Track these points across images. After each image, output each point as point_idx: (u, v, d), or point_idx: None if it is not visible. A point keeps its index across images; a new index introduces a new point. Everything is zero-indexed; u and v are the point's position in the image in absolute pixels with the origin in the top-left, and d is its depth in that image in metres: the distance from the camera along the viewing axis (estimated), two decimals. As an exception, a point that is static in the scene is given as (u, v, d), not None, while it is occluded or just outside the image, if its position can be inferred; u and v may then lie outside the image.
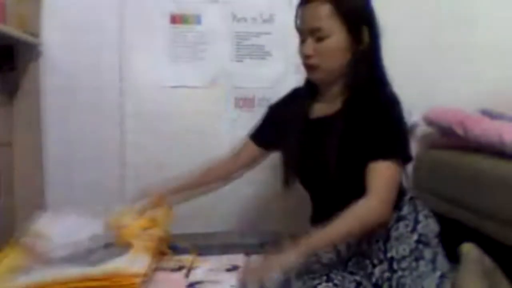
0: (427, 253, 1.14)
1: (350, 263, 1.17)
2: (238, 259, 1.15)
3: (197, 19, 1.77)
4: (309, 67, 1.18)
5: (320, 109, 1.22)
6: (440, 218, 1.23)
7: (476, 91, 1.84)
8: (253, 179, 1.79)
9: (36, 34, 1.64)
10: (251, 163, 1.37)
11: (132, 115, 1.76)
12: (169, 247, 1.20)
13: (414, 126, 1.85)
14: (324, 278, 1.15)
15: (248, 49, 1.80)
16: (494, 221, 1.39)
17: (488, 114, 1.69)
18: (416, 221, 1.17)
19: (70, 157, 1.73)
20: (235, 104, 1.81)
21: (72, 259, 0.98)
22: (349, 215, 1.05)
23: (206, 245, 1.26)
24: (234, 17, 1.79)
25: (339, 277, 1.15)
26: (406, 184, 1.24)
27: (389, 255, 1.13)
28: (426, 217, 1.19)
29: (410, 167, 1.67)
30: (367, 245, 1.15)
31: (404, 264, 1.12)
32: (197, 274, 1.06)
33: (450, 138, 1.69)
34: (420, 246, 1.14)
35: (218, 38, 1.78)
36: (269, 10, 1.79)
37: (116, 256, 0.99)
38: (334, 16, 1.12)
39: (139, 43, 1.74)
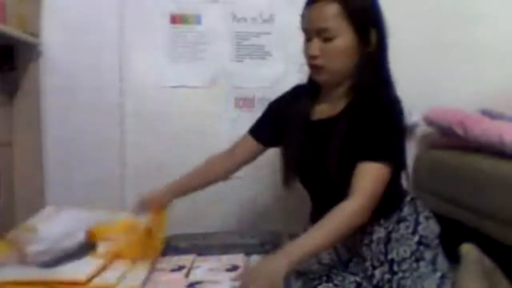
0: (428, 254, 1.14)
1: (351, 264, 1.17)
2: (238, 259, 1.15)
3: (197, 19, 1.77)
4: (314, 68, 1.16)
5: (323, 110, 1.20)
6: (440, 218, 1.23)
7: (476, 91, 1.84)
8: (253, 179, 1.79)
9: (36, 34, 1.64)
10: (248, 159, 1.35)
11: (132, 115, 1.76)
12: (169, 248, 1.19)
13: (414, 126, 1.85)
14: (324, 278, 1.15)
15: (248, 49, 1.80)
16: (494, 221, 1.39)
17: (488, 114, 1.69)
18: (417, 223, 1.16)
19: (70, 157, 1.74)
20: (235, 104, 1.81)
21: (42, 257, 0.97)
22: (335, 218, 1.03)
23: (206, 245, 1.26)
24: (234, 17, 1.79)
25: (340, 278, 1.15)
26: (406, 185, 1.24)
27: (389, 257, 1.13)
28: (427, 218, 1.19)
29: (410, 167, 1.67)
30: (367, 247, 1.15)
31: (404, 266, 1.12)
32: (197, 274, 1.06)
33: (450, 138, 1.69)
34: (421, 247, 1.14)
35: (218, 38, 1.78)
36: (269, 10, 1.79)
37: (74, 259, 0.97)
38: (342, 16, 1.09)
39: (139, 43, 1.74)
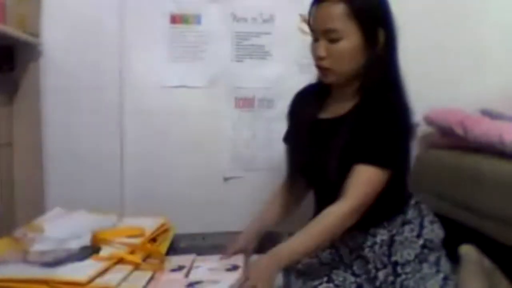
0: (431, 257, 1.14)
1: (354, 266, 1.17)
2: (238, 259, 1.15)
3: (197, 19, 1.77)
4: (321, 69, 1.15)
5: (332, 109, 1.20)
6: (440, 218, 1.23)
7: (476, 91, 1.84)
8: (253, 179, 1.80)
9: (36, 34, 1.64)
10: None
11: (132, 115, 1.75)
12: (169, 248, 1.20)
13: (414, 126, 1.84)
14: (325, 278, 1.15)
15: (248, 49, 1.80)
16: (494, 221, 1.39)
17: (488, 114, 1.69)
18: (422, 226, 1.16)
19: (70, 157, 1.73)
20: (235, 104, 1.81)
21: (45, 257, 0.97)
22: (322, 220, 1.04)
23: (206, 245, 1.26)
24: (234, 17, 1.79)
25: (340, 278, 1.15)
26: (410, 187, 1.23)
27: (393, 259, 1.13)
28: (431, 222, 1.18)
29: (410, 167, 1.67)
30: (370, 249, 1.15)
31: (408, 268, 1.11)
32: (197, 274, 1.06)
33: (450, 138, 1.69)
34: (425, 251, 1.14)
35: (218, 38, 1.78)
36: (269, 10, 1.79)
37: (76, 260, 0.97)
38: (348, 16, 1.08)
39: (139, 43, 1.74)
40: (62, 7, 1.68)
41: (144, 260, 1.05)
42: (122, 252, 1.04)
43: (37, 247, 1.00)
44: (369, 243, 1.15)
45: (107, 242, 1.07)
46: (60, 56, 1.70)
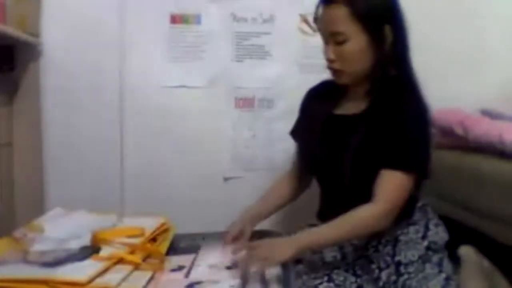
0: (435, 258, 1.14)
1: (356, 266, 1.17)
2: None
3: (197, 19, 1.77)
4: (333, 71, 1.16)
5: (348, 106, 1.20)
6: (440, 218, 1.23)
7: (476, 91, 1.84)
8: (252, 179, 1.79)
9: (36, 34, 1.64)
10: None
11: (132, 115, 1.75)
12: (169, 248, 1.19)
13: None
14: (326, 278, 1.14)
15: (248, 49, 1.80)
16: (494, 221, 1.38)
17: (488, 114, 1.69)
18: (427, 228, 1.16)
19: (70, 157, 1.73)
20: (235, 104, 1.81)
21: (45, 257, 0.97)
22: (352, 218, 1.04)
23: (206, 245, 1.26)
24: (234, 17, 1.79)
25: (341, 278, 1.15)
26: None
27: (396, 259, 1.12)
28: (436, 225, 1.19)
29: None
30: (375, 249, 1.14)
31: (411, 269, 1.11)
32: (197, 274, 1.06)
33: (450, 138, 1.69)
34: (429, 252, 1.14)
35: (218, 38, 1.78)
36: (269, 10, 1.79)
37: (76, 260, 0.97)
38: (351, 18, 1.08)
39: (139, 43, 1.74)
40: (62, 7, 1.68)
41: (144, 260, 1.05)
42: (122, 252, 1.03)
43: (37, 247, 1.00)
44: (373, 243, 1.15)
45: (107, 242, 1.07)
46: (60, 56, 1.70)
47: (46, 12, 1.67)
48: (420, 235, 1.15)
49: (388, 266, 1.12)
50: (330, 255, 1.19)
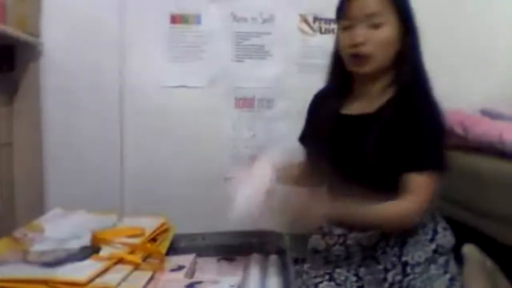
0: (440, 259, 1.14)
1: (362, 267, 1.16)
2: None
3: (197, 19, 1.77)
4: (357, 57, 1.10)
5: (357, 106, 1.17)
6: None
7: (476, 91, 1.84)
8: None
9: (36, 34, 1.64)
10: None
11: (132, 115, 1.76)
12: (169, 248, 1.19)
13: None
14: (327, 277, 1.14)
15: (248, 49, 1.80)
16: (494, 221, 1.38)
17: (488, 114, 1.69)
18: (435, 232, 1.16)
19: (70, 157, 1.73)
20: (235, 104, 1.81)
21: (45, 257, 0.97)
22: (378, 208, 1.03)
23: (206, 245, 1.26)
24: (234, 17, 1.79)
25: (342, 277, 1.14)
26: None
27: (403, 259, 1.12)
28: (444, 229, 1.18)
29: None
30: (382, 250, 1.14)
31: (417, 270, 1.11)
32: (197, 274, 1.06)
33: (450, 138, 1.69)
34: (436, 255, 1.14)
35: (218, 38, 1.78)
36: (269, 10, 1.79)
37: (76, 260, 0.97)
38: (390, 4, 1.08)
39: (139, 43, 1.74)
40: (62, 7, 1.68)
41: (144, 260, 1.05)
42: (122, 252, 1.03)
43: (37, 247, 1.00)
44: (381, 244, 1.14)
45: (107, 242, 1.07)
46: (60, 56, 1.70)
47: (46, 12, 1.68)
48: (428, 237, 1.14)
49: (394, 267, 1.12)
50: (333, 254, 1.18)
